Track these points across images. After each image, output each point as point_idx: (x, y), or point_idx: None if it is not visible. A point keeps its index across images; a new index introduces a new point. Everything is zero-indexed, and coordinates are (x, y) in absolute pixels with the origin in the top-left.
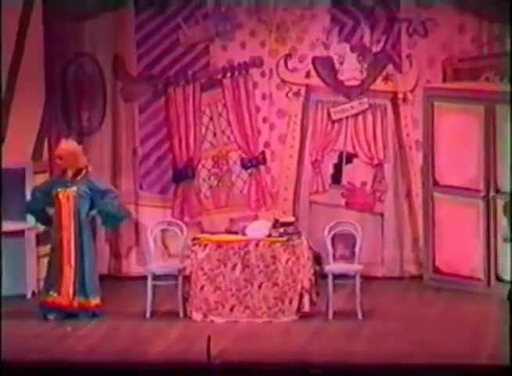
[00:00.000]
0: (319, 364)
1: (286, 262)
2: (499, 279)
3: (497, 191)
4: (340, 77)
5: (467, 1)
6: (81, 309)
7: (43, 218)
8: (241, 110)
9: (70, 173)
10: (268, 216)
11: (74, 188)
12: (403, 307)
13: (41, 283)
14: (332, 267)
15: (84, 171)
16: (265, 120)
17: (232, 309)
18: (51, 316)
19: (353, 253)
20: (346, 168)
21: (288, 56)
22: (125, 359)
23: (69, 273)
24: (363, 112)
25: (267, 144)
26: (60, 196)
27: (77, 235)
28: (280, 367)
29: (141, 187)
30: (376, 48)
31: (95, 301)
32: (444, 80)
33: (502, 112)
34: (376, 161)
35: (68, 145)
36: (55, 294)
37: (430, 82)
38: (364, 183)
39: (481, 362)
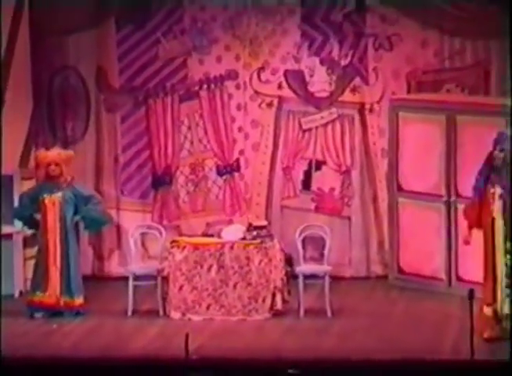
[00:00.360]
0: (290, 360)
1: (260, 263)
2: (459, 279)
3: (458, 196)
4: (311, 88)
5: (429, 18)
6: (66, 308)
7: (30, 222)
8: (217, 120)
9: (56, 180)
10: (242, 220)
11: (60, 194)
12: (370, 305)
13: (28, 284)
14: (302, 268)
15: (69, 179)
16: (239, 129)
17: (208, 308)
18: (38, 315)
19: (322, 254)
20: (315, 175)
21: (261, 69)
22: (108, 355)
23: (55, 274)
24: (332, 122)
25: (241, 152)
26: (47, 201)
27: (63, 238)
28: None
29: (122, 193)
30: (344, 62)
31: (79, 300)
32: (408, 91)
33: (462, 121)
34: (344, 168)
35: (65, 152)
36: (41, 294)
37: (395, 94)
38: (332, 189)
39: (443, 357)
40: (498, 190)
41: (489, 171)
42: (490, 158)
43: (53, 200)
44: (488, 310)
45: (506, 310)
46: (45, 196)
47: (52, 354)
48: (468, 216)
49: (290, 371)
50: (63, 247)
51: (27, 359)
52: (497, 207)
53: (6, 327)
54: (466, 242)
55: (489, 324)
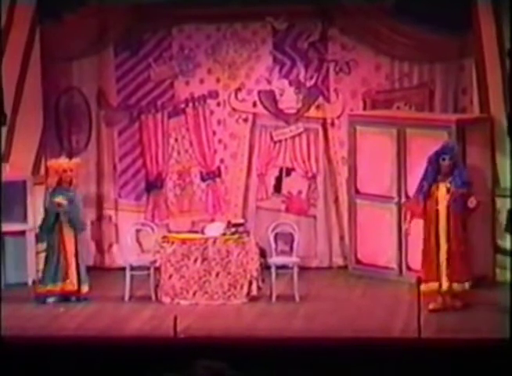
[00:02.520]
0: (264, 338)
1: (238, 255)
2: (408, 268)
3: (407, 197)
4: (281, 106)
5: (382, 46)
6: (76, 294)
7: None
8: (200, 133)
9: (67, 184)
10: (222, 219)
11: (71, 195)
12: (332, 291)
13: (39, 276)
14: (274, 259)
15: (76, 182)
16: (219, 141)
17: (194, 294)
18: (50, 300)
19: (291, 248)
20: (285, 180)
21: (238, 90)
22: (108, 334)
23: (72, 266)
24: (299, 134)
25: (221, 160)
26: (62, 202)
27: (75, 234)
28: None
29: (120, 195)
30: (309, 83)
31: (85, 288)
32: (364, 108)
33: (410, 134)
34: (310, 174)
35: (75, 161)
36: (60, 284)
37: (353, 110)
38: (300, 192)
39: (394, 335)
40: (443, 188)
41: (435, 174)
42: (437, 165)
43: (66, 200)
44: (434, 285)
45: (445, 287)
46: (61, 197)
47: (59, 334)
48: (411, 209)
49: None
50: (76, 242)
51: (36, 338)
52: (441, 201)
53: (20, 310)
54: (407, 234)
55: (433, 298)
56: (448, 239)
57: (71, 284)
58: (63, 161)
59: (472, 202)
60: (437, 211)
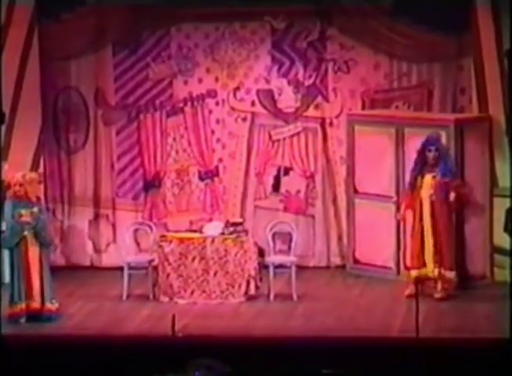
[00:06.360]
0: (262, 337)
1: (236, 254)
2: (406, 268)
3: None
4: (279, 105)
5: (381, 45)
6: (48, 313)
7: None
8: (199, 132)
9: (23, 199)
10: (220, 218)
11: (36, 209)
12: (330, 291)
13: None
14: (272, 259)
15: (35, 197)
16: (218, 140)
17: (192, 293)
18: (22, 320)
19: (289, 247)
20: (284, 179)
21: (237, 89)
22: (106, 333)
23: (36, 283)
24: (298, 134)
25: (220, 160)
26: (25, 216)
27: (41, 250)
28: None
29: (117, 195)
30: (308, 82)
31: (55, 305)
32: (363, 108)
33: (409, 133)
34: (308, 173)
35: (29, 174)
36: (25, 302)
37: (351, 110)
38: (298, 191)
39: (392, 334)
40: (428, 178)
41: (422, 166)
42: (423, 156)
43: (31, 215)
44: (415, 272)
45: (436, 273)
46: (23, 212)
47: (57, 333)
48: (403, 200)
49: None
50: (40, 258)
51: (34, 337)
52: (426, 190)
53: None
54: (401, 219)
55: (410, 285)
56: (432, 226)
57: (35, 302)
58: (17, 174)
59: (452, 196)
60: (421, 199)
